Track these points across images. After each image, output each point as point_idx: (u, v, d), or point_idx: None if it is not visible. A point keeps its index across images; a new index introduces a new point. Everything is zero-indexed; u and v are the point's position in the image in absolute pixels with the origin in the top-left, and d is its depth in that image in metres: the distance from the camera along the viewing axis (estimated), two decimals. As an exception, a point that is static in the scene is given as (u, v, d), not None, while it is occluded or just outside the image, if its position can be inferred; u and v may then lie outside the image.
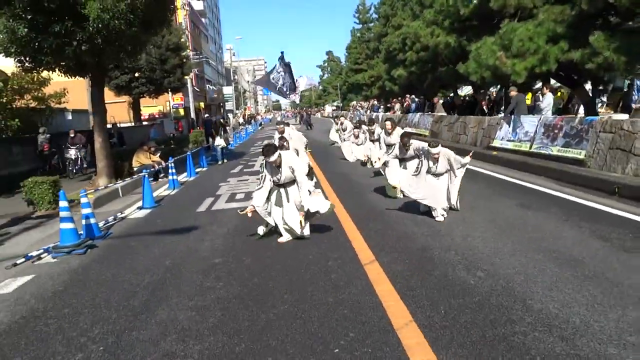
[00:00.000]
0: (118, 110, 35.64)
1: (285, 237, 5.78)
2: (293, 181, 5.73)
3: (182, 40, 28.81)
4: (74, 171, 14.74)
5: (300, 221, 5.66)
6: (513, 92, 12.55)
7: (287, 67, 24.29)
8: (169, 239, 6.42)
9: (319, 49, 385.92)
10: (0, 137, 12.72)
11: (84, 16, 8.84)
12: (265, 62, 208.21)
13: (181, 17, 39.78)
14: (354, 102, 43.66)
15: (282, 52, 22.43)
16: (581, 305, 3.55)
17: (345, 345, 3.19)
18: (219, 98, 64.73)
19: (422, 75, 23.67)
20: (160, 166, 12.08)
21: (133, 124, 29.98)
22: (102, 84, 11.57)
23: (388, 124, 8.72)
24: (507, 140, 11.94)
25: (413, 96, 22.83)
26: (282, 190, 5.77)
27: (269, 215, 5.82)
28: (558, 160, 9.64)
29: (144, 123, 30.62)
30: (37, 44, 9.17)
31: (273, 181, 5.74)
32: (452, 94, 24.76)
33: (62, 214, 6.09)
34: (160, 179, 12.40)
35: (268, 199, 5.78)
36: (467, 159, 6.50)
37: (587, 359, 2.86)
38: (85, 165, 15.10)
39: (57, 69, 10.55)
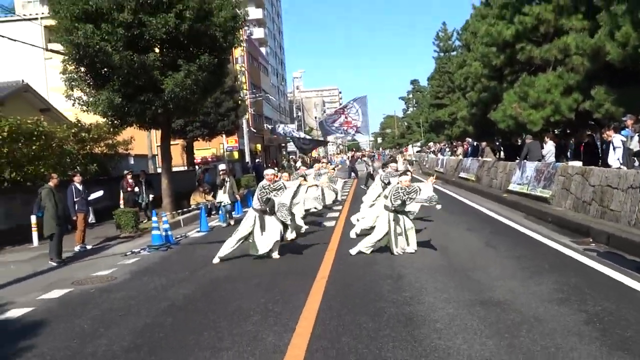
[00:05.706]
0: (172, 154, 43.40)
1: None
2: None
3: (238, 82, 36.43)
4: None
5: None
6: (528, 140, 17.88)
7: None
8: (213, 245, 12.61)
9: (403, 77, 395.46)
10: (85, 179, 19.90)
11: (161, 89, 15.69)
12: (340, 93, 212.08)
13: (237, 52, 47.54)
14: (431, 143, 49.17)
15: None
16: (428, 281, 9.16)
17: (282, 285, 9.07)
18: (278, 139, 72.85)
19: (486, 117, 29.04)
20: (212, 204, 18.62)
21: (186, 167, 37.54)
22: (169, 137, 18.49)
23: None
24: (517, 184, 17.23)
25: (470, 140, 28.26)
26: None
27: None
28: (537, 199, 14.90)
29: (197, 167, 38.07)
30: (126, 109, 16.15)
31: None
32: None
33: (154, 224, 12.60)
34: (213, 215, 18.87)
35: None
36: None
37: (400, 301, 8.47)
38: None
39: (136, 126, 17.61)
